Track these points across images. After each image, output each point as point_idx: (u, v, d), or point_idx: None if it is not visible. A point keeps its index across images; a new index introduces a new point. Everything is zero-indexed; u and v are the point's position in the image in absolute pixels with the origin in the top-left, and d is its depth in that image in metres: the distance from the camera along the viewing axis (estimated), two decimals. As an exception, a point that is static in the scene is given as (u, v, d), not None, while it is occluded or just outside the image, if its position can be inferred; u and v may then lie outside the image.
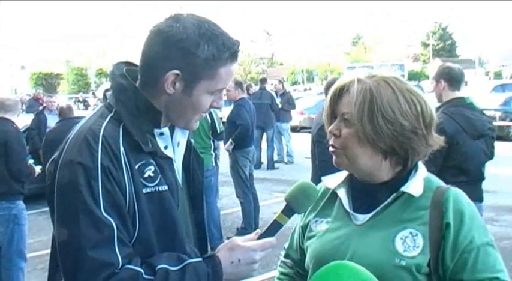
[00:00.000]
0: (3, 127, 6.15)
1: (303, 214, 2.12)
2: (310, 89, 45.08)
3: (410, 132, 1.86)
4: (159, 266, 1.71)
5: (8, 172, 6.03)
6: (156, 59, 1.80)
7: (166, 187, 1.83)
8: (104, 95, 1.90)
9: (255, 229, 6.51)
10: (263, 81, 16.10)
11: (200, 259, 1.80)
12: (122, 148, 1.75)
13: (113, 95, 1.85)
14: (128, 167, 1.75)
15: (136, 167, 1.77)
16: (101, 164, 1.70)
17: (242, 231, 8.49)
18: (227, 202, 10.42)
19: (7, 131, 6.14)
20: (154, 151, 1.83)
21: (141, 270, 1.69)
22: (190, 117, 1.89)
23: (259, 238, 1.85)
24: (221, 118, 8.64)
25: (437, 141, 1.95)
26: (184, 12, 1.85)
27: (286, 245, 2.26)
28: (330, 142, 1.97)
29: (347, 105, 1.91)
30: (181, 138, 1.98)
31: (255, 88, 16.29)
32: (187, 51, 1.76)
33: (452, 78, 5.00)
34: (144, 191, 1.77)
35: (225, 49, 1.80)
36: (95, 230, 1.66)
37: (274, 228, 1.87)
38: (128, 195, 1.73)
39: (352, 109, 1.87)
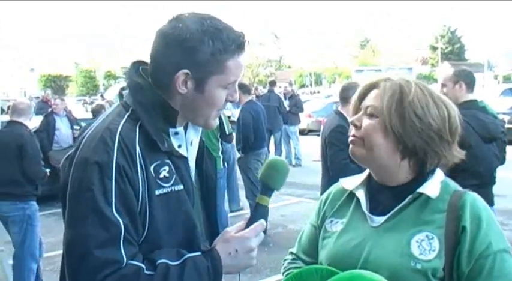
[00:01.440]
0: (18, 131, 6.28)
1: (316, 215, 2.14)
2: (318, 92, 45.03)
3: (436, 134, 1.87)
4: (159, 261, 1.72)
5: (22, 175, 6.13)
6: (163, 62, 1.83)
7: (182, 187, 1.84)
8: (120, 94, 1.92)
9: (264, 232, 6.47)
10: (272, 83, 16.12)
11: (199, 253, 1.81)
12: (138, 148, 1.77)
13: (130, 94, 1.87)
14: (143, 167, 1.76)
15: (152, 167, 1.78)
16: (116, 163, 1.71)
17: None
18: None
19: (22, 134, 6.27)
20: (170, 150, 1.84)
21: (143, 265, 1.70)
22: (207, 115, 1.91)
23: (247, 225, 1.88)
24: (229, 117, 8.59)
25: (458, 153, 1.97)
26: (186, 12, 1.87)
27: (293, 250, 2.23)
28: (351, 133, 1.98)
29: (374, 99, 1.94)
30: (195, 137, 2.00)
31: (262, 91, 16.28)
32: (193, 50, 1.80)
33: (471, 81, 5.01)
34: (160, 191, 1.78)
35: (230, 42, 1.83)
36: (102, 229, 1.66)
37: (259, 211, 1.91)
38: (140, 195, 1.74)
39: (382, 100, 1.89)
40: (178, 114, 1.87)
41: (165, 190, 1.80)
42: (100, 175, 1.69)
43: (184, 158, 1.91)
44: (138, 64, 1.95)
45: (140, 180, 1.74)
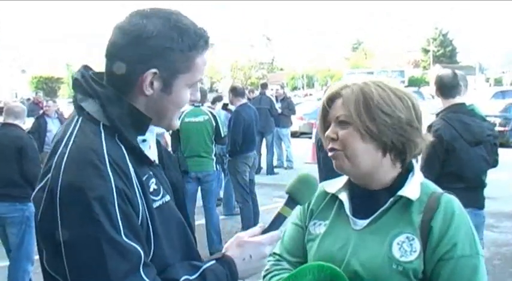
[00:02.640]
0: (17, 133, 6.31)
1: (302, 215, 2.15)
2: (311, 95, 45.01)
3: (407, 124, 1.91)
4: (181, 279, 1.67)
5: (21, 176, 6.12)
6: (128, 61, 1.68)
7: (169, 197, 1.77)
8: (79, 106, 1.72)
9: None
10: (264, 86, 16.11)
11: (214, 261, 1.76)
12: (130, 166, 1.65)
13: (99, 106, 1.69)
14: (138, 185, 1.65)
15: (144, 183, 1.68)
16: (116, 187, 1.57)
17: None
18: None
19: (22, 137, 6.31)
20: (153, 161, 1.77)
21: None
22: (171, 116, 1.80)
23: (264, 232, 1.84)
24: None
25: (427, 136, 2.01)
26: (146, 7, 1.75)
27: (276, 250, 2.21)
28: (329, 146, 1.99)
29: (340, 108, 1.95)
30: (151, 139, 1.84)
31: (256, 93, 16.28)
32: (161, 47, 1.67)
33: (442, 86, 5.01)
34: (155, 206, 1.70)
35: (197, 38, 1.73)
36: (121, 260, 1.54)
37: (278, 221, 1.88)
38: (140, 214, 1.63)
39: (349, 109, 1.91)
40: (151, 120, 1.74)
41: (157, 203, 1.71)
42: (101, 202, 1.54)
43: (159, 166, 1.83)
44: (86, 70, 1.79)
45: (138, 198, 1.64)
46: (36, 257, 6.65)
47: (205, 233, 7.91)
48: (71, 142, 1.64)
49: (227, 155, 8.75)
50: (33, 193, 1.68)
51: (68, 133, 1.68)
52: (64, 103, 23.90)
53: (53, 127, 11.26)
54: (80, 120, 1.70)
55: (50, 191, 1.60)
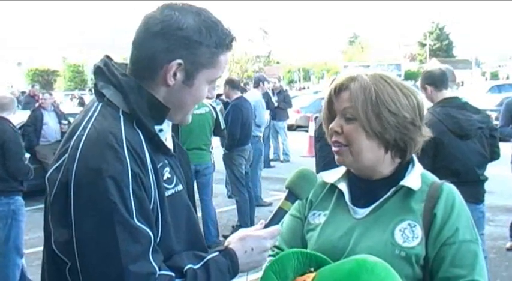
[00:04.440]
0: (1, 126, 6.15)
1: (300, 206, 2.16)
2: (308, 88, 45.03)
3: (410, 123, 1.93)
4: (186, 267, 1.69)
5: (6, 171, 6.05)
6: (155, 50, 1.72)
7: (181, 187, 1.81)
8: (100, 92, 1.76)
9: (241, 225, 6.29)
10: (257, 82, 16.06)
11: (217, 252, 1.78)
12: (146, 152, 1.69)
13: (120, 94, 1.73)
14: (153, 171, 1.69)
15: (158, 169, 1.71)
16: (132, 170, 1.60)
17: (237, 229, 8.45)
18: (222, 200, 10.41)
19: (5, 130, 6.17)
20: (170, 150, 1.80)
21: (173, 274, 1.66)
22: (188, 110, 1.85)
23: (265, 226, 1.87)
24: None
25: (427, 132, 2.02)
26: (178, 1, 1.78)
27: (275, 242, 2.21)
28: (333, 140, 2.00)
29: (347, 102, 1.95)
30: (168, 133, 1.89)
31: (250, 86, 16.25)
32: (190, 40, 1.72)
33: (435, 80, 5.00)
34: (167, 193, 1.73)
35: (224, 36, 1.78)
36: (133, 242, 1.57)
37: (279, 215, 1.90)
38: (152, 201, 1.67)
39: (357, 105, 1.91)
40: (169, 110, 1.77)
41: (170, 192, 1.75)
42: (117, 185, 1.57)
43: (175, 157, 1.87)
44: (108, 60, 1.82)
45: (152, 184, 1.67)
46: (31, 250, 6.71)
47: (201, 226, 7.91)
48: (90, 125, 1.68)
49: (224, 148, 8.75)
50: (48, 173, 1.70)
51: (87, 117, 1.71)
52: (60, 96, 23.91)
53: (49, 120, 11.23)
54: (99, 106, 1.74)
55: (65, 171, 1.63)
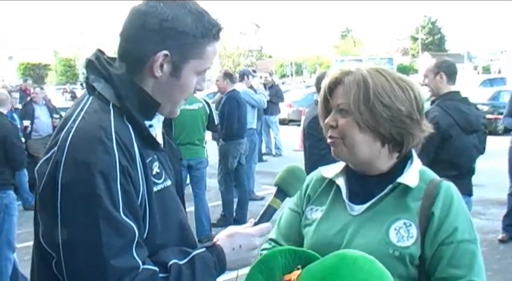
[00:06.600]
0: (1, 120, 6.20)
1: (299, 200, 2.15)
2: (303, 82, 44.94)
3: (406, 117, 1.90)
4: (170, 262, 1.68)
5: (5, 163, 6.05)
6: (141, 41, 1.72)
7: (170, 182, 1.80)
8: (91, 86, 1.76)
9: (236, 219, 6.37)
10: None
11: (204, 248, 1.77)
12: (135, 146, 1.68)
13: (111, 87, 1.73)
14: (141, 166, 1.68)
15: (147, 164, 1.71)
16: (120, 164, 1.60)
17: (223, 218, 8.70)
18: (215, 194, 10.40)
19: (5, 124, 6.21)
20: (160, 145, 1.79)
21: (156, 269, 1.65)
22: (176, 102, 1.84)
23: (255, 224, 1.85)
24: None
25: (428, 127, 2.00)
26: None
27: (272, 236, 2.21)
28: (328, 134, 1.99)
29: (342, 96, 1.94)
30: (158, 128, 1.88)
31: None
32: (175, 30, 1.71)
33: (451, 72, 5.01)
34: (155, 189, 1.72)
35: (210, 26, 1.77)
36: (117, 236, 1.57)
37: (268, 213, 1.88)
38: (140, 195, 1.67)
39: (348, 98, 1.90)
40: (160, 105, 1.77)
41: (159, 187, 1.75)
42: (104, 178, 1.57)
43: (164, 152, 1.86)
44: (101, 53, 1.83)
45: (140, 179, 1.67)
46: (22, 244, 6.70)
47: (194, 220, 7.91)
48: (80, 118, 1.68)
49: (220, 140, 8.80)
50: (37, 166, 1.70)
51: (78, 110, 1.71)
52: (52, 90, 23.82)
53: (41, 114, 11.18)
54: (90, 99, 1.74)
55: (54, 163, 1.63)
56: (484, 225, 8.09)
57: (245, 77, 11.39)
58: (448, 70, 5.00)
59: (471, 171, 5.02)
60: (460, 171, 4.64)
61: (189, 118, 7.67)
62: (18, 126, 10.27)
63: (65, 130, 1.67)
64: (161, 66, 1.73)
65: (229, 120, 8.50)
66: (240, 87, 10.83)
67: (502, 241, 7.50)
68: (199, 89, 1.86)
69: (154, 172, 1.74)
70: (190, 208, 8.09)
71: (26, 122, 10.89)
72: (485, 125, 5.22)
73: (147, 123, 1.77)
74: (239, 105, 8.72)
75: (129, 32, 1.75)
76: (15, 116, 10.89)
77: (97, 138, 1.61)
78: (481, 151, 5.09)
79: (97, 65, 1.77)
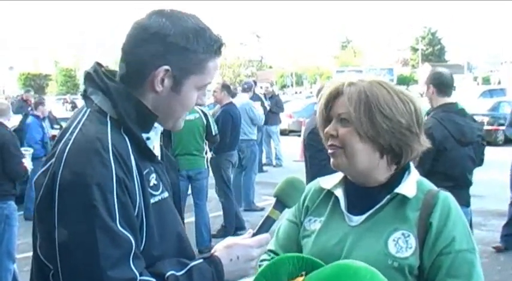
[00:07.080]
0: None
1: (297, 211, 2.15)
2: (301, 93, 45.03)
3: (406, 129, 1.92)
4: (168, 274, 1.68)
5: (4, 174, 6.05)
6: (143, 56, 1.74)
7: (167, 194, 1.81)
8: (89, 97, 1.78)
9: (236, 230, 6.37)
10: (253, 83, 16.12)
11: (201, 260, 1.77)
12: (132, 158, 1.69)
13: (109, 99, 1.74)
14: (138, 177, 1.69)
15: (144, 176, 1.72)
16: (116, 176, 1.61)
17: (223, 229, 8.69)
18: (215, 205, 10.38)
19: (4, 134, 6.23)
20: (157, 157, 1.80)
21: (154, 280, 1.65)
22: (178, 116, 1.86)
23: (254, 235, 1.85)
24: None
25: (426, 142, 2.01)
26: (167, 8, 1.80)
27: (271, 247, 2.20)
28: (328, 143, 1.99)
29: (342, 107, 1.95)
30: (156, 140, 1.89)
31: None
32: (177, 46, 1.73)
33: (441, 84, 5.00)
34: (152, 200, 1.73)
35: (212, 42, 1.78)
36: (113, 247, 1.58)
37: (267, 224, 1.88)
38: (137, 207, 1.67)
39: (350, 108, 1.91)
40: (157, 118, 1.79)
41: (156, 199, 1.75)
42: (101, 190, 1.58)
43: (161, 164, 1.87)
44: (99, 66, 1.84)
45: (137, 191, 1.67)
46: (22, 255, 6.68)
47: (194, 231, 7.90)
48: (77, 130, 1.70)
49: (212, 152, 8.84)
50: (35, 177, 1.72)
51: (76, 122, 1.73)
52: (52, 100, 23.86)
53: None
54: (88, 111, 1.76)
55: (52, 175, 1.64)
56: (485, 236, 8.08)
57: (253, 87, 11.60)
58: (435, 82, 5.01)
59: (467, 182, 5.01)
60: (455, 182, 4.64)
61: (185, 129, 7.57)
62: (47, 134, 10.34)
63: (62, 142, 1.69)
64: (162, 81, 1.74)
65: (222, 134, 8.48)
66: (242, 98, 10.92)
67: (498, 251, 7.48)
68: (200, 103, 1.86)
69: (151, 184, 1.75)
70: (190, 218, 8.09)
71: (54, 131, 10.87)
72: (483, 136, 5.20)
73: (144, 136, 1.78)
74: (233, 120, 8.83)
75: (131, 46, 1.77)
76: (44, 124, 10.97)
77: (94, 150, 1.62)
78: (478, 162, 5.08)
79: (95, 77, 1.79)
